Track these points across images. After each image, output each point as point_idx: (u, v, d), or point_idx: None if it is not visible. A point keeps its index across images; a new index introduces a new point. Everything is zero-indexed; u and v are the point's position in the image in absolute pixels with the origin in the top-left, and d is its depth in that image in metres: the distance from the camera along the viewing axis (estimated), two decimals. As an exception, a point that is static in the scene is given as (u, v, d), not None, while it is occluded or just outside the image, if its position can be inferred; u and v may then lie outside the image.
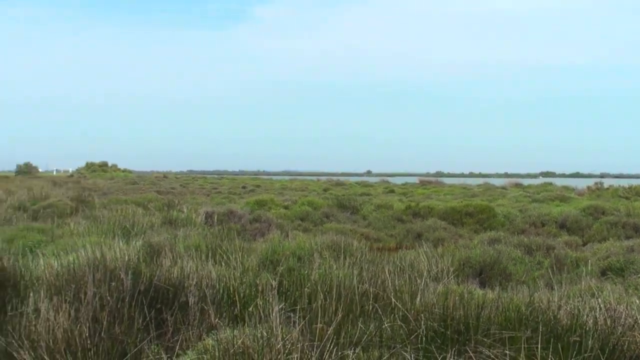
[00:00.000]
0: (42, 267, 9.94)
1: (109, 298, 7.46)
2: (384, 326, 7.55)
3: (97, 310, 7.19)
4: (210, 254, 10.89)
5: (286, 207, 31.55)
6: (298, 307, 7.59)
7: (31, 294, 8.11)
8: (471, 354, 6.77)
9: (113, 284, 7.82)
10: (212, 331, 7.53)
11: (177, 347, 7.39)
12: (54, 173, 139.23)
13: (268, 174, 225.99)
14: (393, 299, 8.33)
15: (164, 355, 7.34)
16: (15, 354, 6.64)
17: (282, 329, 6.48)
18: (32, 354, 6.58)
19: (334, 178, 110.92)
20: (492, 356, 6.75)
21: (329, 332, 6.71)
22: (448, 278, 10.55)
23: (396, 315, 7.90)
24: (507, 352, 6.70)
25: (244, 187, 65.91)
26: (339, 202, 32.81)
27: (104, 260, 9.40)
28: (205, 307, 8.04)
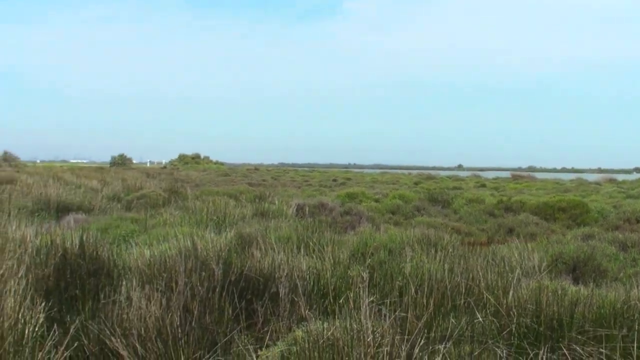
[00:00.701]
0: (135, 256, 10.06)
1: (200, 288, 7.49)
2: (475, 321, 7.44)
3: (188, 300, 7.23)
4: (301, 246, 10.88)
5: (377, 200, 31.44)
6: (389, 300, 7.52)
7: (124, 282, 8.21)
8: (565, 352, 6.62)
9: (204, 273, 7.86)
10: (302, 323, 7.50)
11: (267, 337, 7.39)
12: (148, 165, 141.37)
13: (358, 167, 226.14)
14: (485, 294, 8.21)
15: (253, 346, 7.35)
16: (107, 341, 6.71)
17: (372, 321, 6.40)
18: (124, 341, 6.63)
19: (425, 172, 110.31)
20: (587, 354, 6.59)
21: (419, 325, 6.63)
22: (541, 274, 10.36)
23: (488, 311, 7.78)
24: (603, 350, 6.53)
25: (334, 180, 65.89)
26: (430, 196, 32.57)
27: (196, 251, 9.48)
28: (296, 298, 8.02)
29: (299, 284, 8.17)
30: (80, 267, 8.44)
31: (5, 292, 6.13)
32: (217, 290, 7.56)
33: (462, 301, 8.20)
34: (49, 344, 6.31)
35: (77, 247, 8.96)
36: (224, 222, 16.15)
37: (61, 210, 20.89)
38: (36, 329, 6.29)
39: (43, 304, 6.62)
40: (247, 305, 7.79)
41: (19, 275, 7.00)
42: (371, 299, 7.17)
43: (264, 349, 7.21)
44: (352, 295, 7.66)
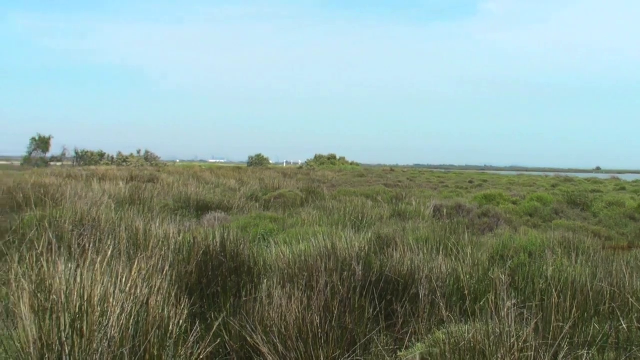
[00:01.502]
0: (274, 255, 10.18)
1: (340, 287, 7.52)
2: (620, 327, 7.23)
3: (328, 299, 7.26)
4: (440, 247, 10.80)
5: (514, 203, 30.93)
6: (532, 304, 7.38)
7: (264, 281, 8.31)
8: None
9: (345, 273, 7.88)
10: (442, 325, 7.44)
11: (407, 339, 7.37)
12: (284, 165, 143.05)
13: (494, 168, 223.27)
14: (630, 299, 7.98)
15: (392, 347, 7.34)
16: (248, 338, 6.80)
17: (514, 325, 6.30)
18: (265, 338, 6.71)
19: (562, 174, 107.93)
20: None
21: (564, 331, 6.48)
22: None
23: (633, 317, 7.55)
24: None
25: (470, 182, 65.11)
26: (569, 199, 31.84)
27: (335, 250, 9.53)
28: (436, 300, 7.97)
29: (438, 286, 8.12)
30: (221, 265, 8.59)
31: (151, 288, 6.29)
32: (357, 290, 7.58)
33: (606, 306, 7.98)
34: (191, 340, 6.45)
35: (219, 245, 9.12)
36: (362, 223, 16.17)
37: (201, 208, 21.30)
38: (180, 325, 6.42)
39: (186, 300, 6.76)
40: (387, 306, 7.78)
41: (164, 272, 7.16)
42: (513, 301, 7.06)
43: (403, 350, 7.19)
44: (492, 298, 7.55)
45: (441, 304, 7.81)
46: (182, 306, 6.49)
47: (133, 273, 6.24)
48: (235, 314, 7.25)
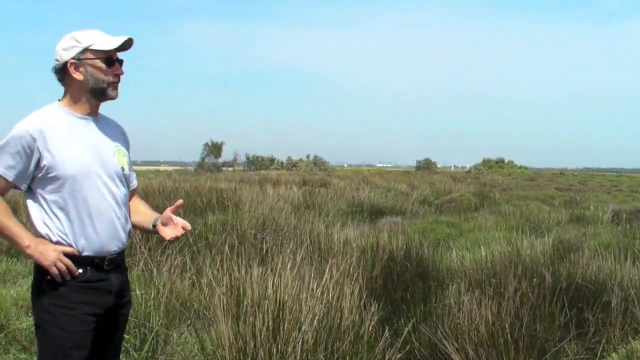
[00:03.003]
0: (457, 260, 10.07)
1: (530, 294, 7.34)
2: None
3: (517, 306, 7.09)
4: (627, 253, 10.41)
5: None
6: None
7: (452, 286, 8.22)
8: None
9: (535, 279, 7.69)
10: (637, 334, 7.17)
11: (600, 348, 7.12)
12: (452, 169, 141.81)
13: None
14: None
15: (584, 356, 7.12)
16: (438, 343, 6.72)
17: None
18: (455, 344, 6.62)
19: None
20: None
21: None
22: None
23: None
24: None
25: (646, 185, 63.08)
26: None
27: (519, 256, 9.33)
28: (629, 308, 7.67)
29: (632, 293, 7.82)
30: (406, 270, 8.54)
31: (343, 293, 6.30)
32: (547, 297, 7.38)
33: None
34: (381, 345, 6.42)
35: (403, 249, 9.07)
36: (539, 227, 15.81)
37: (374, 212, 21.32)
38: (369, 330, 6.41)
39: (375, 305, 6.73)
40: (578, 314, 7.54)
41: (353, 277, 7.17)
42: None
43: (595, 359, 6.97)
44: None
45: (638, 312, 7.51)
46: (372, 311, 6.47)
47: (325, 278, 6.25)
48: (425, 319, 7.18)
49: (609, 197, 35.95)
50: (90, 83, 4.00)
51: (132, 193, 4.38)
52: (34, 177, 3.91)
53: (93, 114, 4.11)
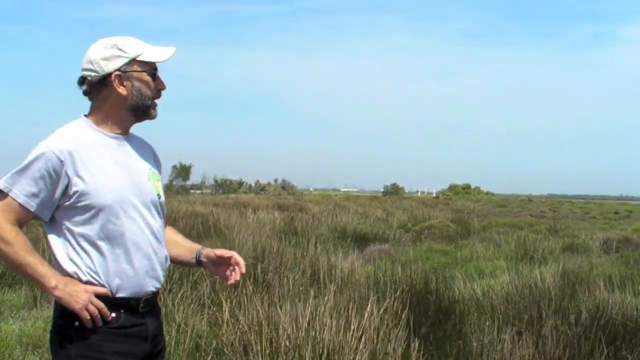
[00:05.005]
0: (465, 291, 9.65)
1: (567, 331, 6.91)
2: None
3: (554, 344, 6.68)
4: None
5: (677, 235, 29.57)
6: None
7: (474, 320, 7.78)
8: None
9: (572, 315, 7.26)
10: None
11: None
12: (419, 194, 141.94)
13: (635, 199, 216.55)
14: None
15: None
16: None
17: None
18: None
19: None
20: None
21: None
22: None
23: None
24: None
25: (616, 212, 63.22)
26: None
27: (536, 288, 8.91)
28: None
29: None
30: (427, 303, 8.06)
31: (386, 334, 5.82)
32: (583, 334, 6.95)
33: None
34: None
35: (422, 281, 8.60)
36: (534, 256, 15.40)
37: (358, 239, 20.83)
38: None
39: (416, 344, 6.24)
40: (616, 352, 7.11)
41: (397, 315, 6.68)
42: None
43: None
44: None
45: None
46: (414, 352, 5.99)
47: (366, 317, 5.73)
48: (461, 357, 6.71)
49: (586, 224, 35.76)
50: (135, 99, 3.45)
51: (165, 221, 3.77)
52: (58, 205, 3.32)
53: (125, 132, 3.56)
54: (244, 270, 3.67)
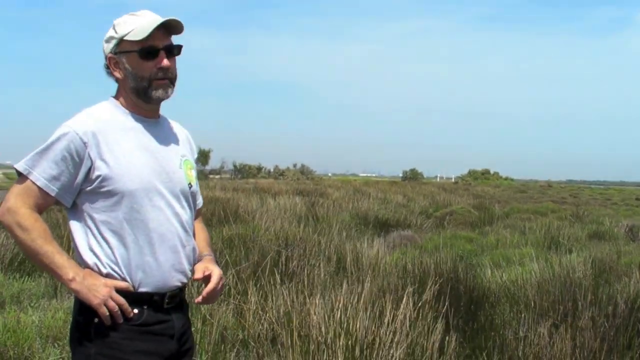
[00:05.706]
0: (493, 280, 9.42)
1: (605, 323, 6.67)
2: None
3: (591, 336, 6.44)
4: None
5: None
6: None
7: (508, 311, 7.55)
8: None
9: (610, 307, 7.01)
10: None
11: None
12: (438, 179, 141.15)
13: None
14: None
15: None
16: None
17: None
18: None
19: None
20: None
21: None
22: None
23: None
24: None
25: (637, 199, 62.68)
26: None
27: (570, 277, 8.67)
28: None
29: None
30: (458, 292, 7.81)
31: (425, 327, 5.59)
32: (620, 325, 6.72)
33: None
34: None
35: (451, 270, 8.36)
36: (561, 244, 15.13)
37: (380, 225, 20.57)
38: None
39: (453, 339, 6.00)
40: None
41: (435, 308, 6.45)
42: None
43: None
44: None
45: None
46: (450, 346, 5.76)
47: (401, 309, 5.49)
48: (500, 352, 6.46)
49: (610, 211, 35.30)
50: (130, 82, 3.22)
51: (196, 212, 3.55)
52: (80, 190, 3.11)
53: (152, 116, 3.33)
54: (210, 287, 3.35)
